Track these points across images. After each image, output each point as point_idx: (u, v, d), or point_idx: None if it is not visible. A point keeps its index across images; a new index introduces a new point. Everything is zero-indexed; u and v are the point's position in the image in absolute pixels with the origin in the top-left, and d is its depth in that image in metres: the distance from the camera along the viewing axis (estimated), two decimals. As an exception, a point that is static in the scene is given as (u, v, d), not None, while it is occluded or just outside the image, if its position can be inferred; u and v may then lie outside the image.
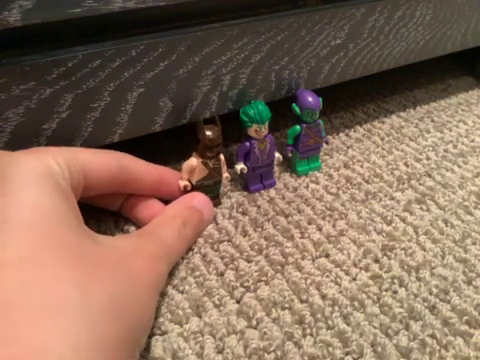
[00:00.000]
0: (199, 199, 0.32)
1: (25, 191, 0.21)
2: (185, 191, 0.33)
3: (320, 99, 0.36)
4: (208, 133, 0.31)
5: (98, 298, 0.19)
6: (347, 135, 0.45)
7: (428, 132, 0.46)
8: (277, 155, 0.36)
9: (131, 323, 0.21)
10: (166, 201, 0.32)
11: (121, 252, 0.23)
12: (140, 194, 0.31)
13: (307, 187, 0.37)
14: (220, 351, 0.25)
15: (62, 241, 0.20)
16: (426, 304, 0.27)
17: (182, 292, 0.28)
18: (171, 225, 0.28)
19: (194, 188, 0.33)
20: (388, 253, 0.31)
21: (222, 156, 0.33)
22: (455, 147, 0.43)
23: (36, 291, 0.18)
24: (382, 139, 0.44)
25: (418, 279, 0.29)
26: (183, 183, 0.32)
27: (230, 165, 0.37)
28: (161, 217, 0.29)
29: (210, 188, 0.34)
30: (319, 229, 0.33)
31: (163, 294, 0.28)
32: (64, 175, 0.24)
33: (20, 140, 0.27)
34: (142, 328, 0.22)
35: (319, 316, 0.27)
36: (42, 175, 0.22)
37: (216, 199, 0.35)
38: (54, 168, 0.23)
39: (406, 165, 0.40)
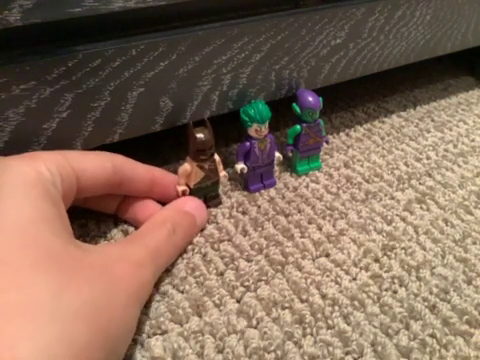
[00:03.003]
0: (191, 204, 0.32)
1: (13, 197, 0.21)
2: (183, 196, 0.32)
3: (320, 99, 0.36)
4: (199, 136, 0.31)
5: (72, 302, 0.19)
6: (347, 135, 0.45)
7: (428, 132, 0.46)
8: (277, 155, 0.36)
9: (107, 330, 0.20)
10: (162, 203, 0.32)
11: (105, 259, 0.23)
12: (134, 195, 0.31)
13: (307, 187, 0.37)
14: (220, 351, 0.25)
15: (45, 246, 0.20)
16: (426, 304, 0.27)
17: (182, 292, 0.28)
18: (160, 230, 0.28)
19: (192, 192, 0.33)
20: (388, 253, 0.31)
21: (217, 156, 0.33)
22: (455, 147, 0.43)
23: (9, 294, 0.18)
24: (382, 139, 0.44)
25: (418, 279, 0.29)
26: (181, 188, 0.32)
27: (230, 165, 0.37)
28: (150, 223, 0.29)
29: (209, 189, 0.34)
30: (319, 229, 0.33)
31: (163, 294, 0.28)
32: (55, 182, 0.24)
33: (20, 140, 0.27)
34: (121, 336, 0.22)
35: (319, 316, 0.27)
36: (31, 181, 0.22)
37: (216, 198, 0.35)
38: (45, 175, 0.23)
39: (406, 165, 0.40)
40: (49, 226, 0.21)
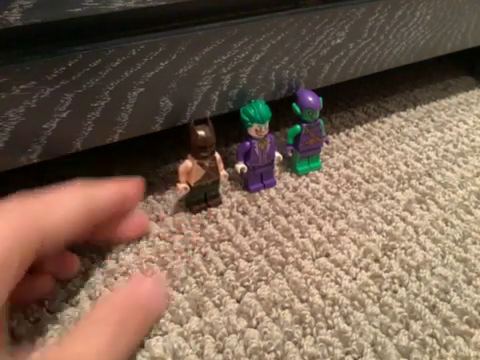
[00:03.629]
0: (146, 288, 0.25)
1: None
2: (184, 191, 0.32)
3: (320, 99, 0.36)
4: (201, 133, 0.31)
5: None
6: (347, 135, 0.45)
7: (428, 132, 0.46)
8: (277, 155, 0.36)
9: None
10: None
11: None
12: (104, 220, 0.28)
13: (307, 187, 0.37)
14: (220, 351, 0.25)
15: None
16: (426, 304, 0.27)
17: (182, 292, 0.28)
18: (101, 333, 0.21)
19: (193, 189, 0.33)
20: (388, 253, 0.31)
21: (217, 155, 0.33)
22: (455, 147, 0.43)
23: None
24: (382, 139, 0.44)
25: (418, 279, 0.29)
26: (182, 186, 0.32)
27: (230, 164, 0.37)
28: (89, 321, 0.22)
29: (209, 187, 0.34)
30: (319, 229, 0.33)
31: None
32: (6, 265, 0.20)
33: (20, 140, 0.27)
34: None
35: (319, 316, 0.27)
36: None
37: (216, 198, 0.35)
38: None
39: (406, 165, 0.40)
40: None
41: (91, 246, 0.31)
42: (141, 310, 0.24)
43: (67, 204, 0.24)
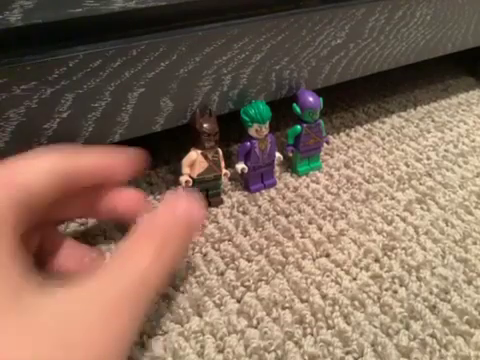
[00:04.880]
0: (184, 204, 0.25)
1: None
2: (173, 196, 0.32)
3: (320, 99, 0.36)
4: (205, 120, 0.32)
5: None
6: (348, 135, 0.45)
7: (429, 132, 0.46)
8: (278, 155, 0.36)
9: None
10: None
11: (60, 317, 0.18)
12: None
13: (308, 187, 0.37)
14: (221, 350, 0.25)
15: None
16: (426, 304, 0.27)
17: (183, 292, 0.28)
18: (144, 251, 0.22)
19: (195, 182, 0.33)
20: (388, 253, 0.31)
21: (220, 151, 0.34)
22: (456, 147, 0.43)
23: None
24: (383, 139, 0.44)
25: (418, 279, 0.29)
26: (184, 178, 0.33)
27: (231, 165, 0.37)
28: (131, 241, 0.23)
29: (211, 184, 0.34)
30: (319, 229, 0.33)
31: (163, 294, 0.28)
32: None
33: (21, 140, 0.27)
34: None
35: (319, 316, 0.27)
36: None
37: (218, 197, 0.35)
38: None
39: (407, 165, 0.40)
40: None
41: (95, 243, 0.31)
42: (180, 227, 0.24)
43: (40, 165, 0.23)
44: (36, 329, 0.17)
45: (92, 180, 0.26)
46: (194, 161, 0.32)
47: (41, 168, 0.22)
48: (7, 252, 0.18)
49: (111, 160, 0.27)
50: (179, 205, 0.25)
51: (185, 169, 0.33)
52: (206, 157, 0.33)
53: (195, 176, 0.33)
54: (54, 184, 0.23)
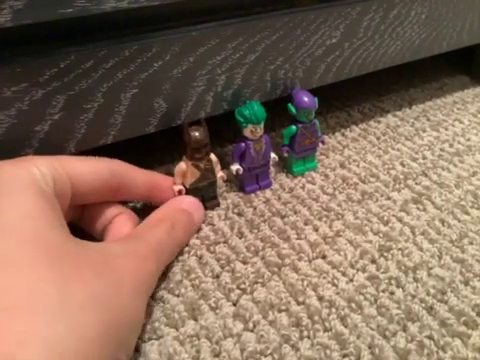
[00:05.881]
0: (188, 201, 0.32)
1: (9, 196, 0.22)
2: (180, 196, 0.32)
3: (315, 99, 0.36)
4: (194, 134, 0.31)
5: (78, 295, 0.19)
6: (343, 135, 0.45)
7: (424, 131, 0.46)
8: (273, 155, 0.36)
9: (114, 321, 0.21)
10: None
11: (106, 254, 0.23)
12: (133, 199, 0.32)
13: (303, 187, 0.37)
14: (216, 355, 0.25)
15: (45, 242, 0.21)
16: (423, 305, 0.27)
17: (178, 295, 0.28)
18: (159, 227, 0.28)
19: (189, 191, 0.33)
20: (385, 254, 0.31)
21: (213, 156, 0.33)
22: (451, 146, 0.43)
23: (13, 291, 0.18)
24: (378, 138, 0.44)
25: (415, 280, 0.29)
26: (177, 188, 0.32)
27: (225, 166, 0.37)
28: (149, 221, 0.29)
29: (205, 190, 0.34)
30: (315, 230, 0.33)
31: (158, 298, 0.28)
32: (47, 181, 0.24)
33: (12, 142, 0.27)
34: (129, 328, 0.22)
35: (316, 318, 0.26)
36: (25, 181, 0.23)
37: (214, 200, 0.35)
38: (36, 174, 0.23)
39: (402, 165, 0.40)
40: (47, 222, 0.22)
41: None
42: (186, 215, 0.31)
43: (92, 164, 0.27)
44: (88, 262, 0.22)
45: (138, 193, 0.31)
46: (185, 172, 0.32)
47: (95, 166, 0.27)
48: (61, 219, 0.23)
49: (155, 179, 0.32)
50: (184, 201, 0.32)
51: (177, 179, 0.32)
52: (198, 167, 0.32)
53: (188, 186, 0.33)
54: (104, 180, 0.28)
